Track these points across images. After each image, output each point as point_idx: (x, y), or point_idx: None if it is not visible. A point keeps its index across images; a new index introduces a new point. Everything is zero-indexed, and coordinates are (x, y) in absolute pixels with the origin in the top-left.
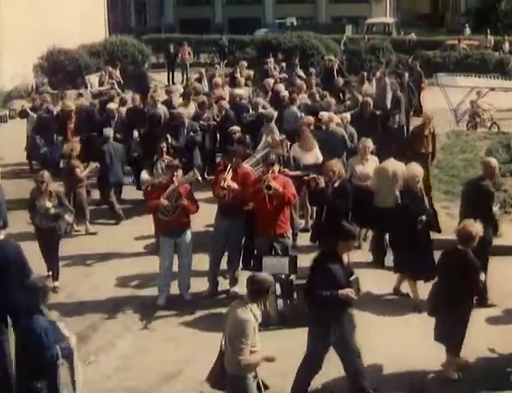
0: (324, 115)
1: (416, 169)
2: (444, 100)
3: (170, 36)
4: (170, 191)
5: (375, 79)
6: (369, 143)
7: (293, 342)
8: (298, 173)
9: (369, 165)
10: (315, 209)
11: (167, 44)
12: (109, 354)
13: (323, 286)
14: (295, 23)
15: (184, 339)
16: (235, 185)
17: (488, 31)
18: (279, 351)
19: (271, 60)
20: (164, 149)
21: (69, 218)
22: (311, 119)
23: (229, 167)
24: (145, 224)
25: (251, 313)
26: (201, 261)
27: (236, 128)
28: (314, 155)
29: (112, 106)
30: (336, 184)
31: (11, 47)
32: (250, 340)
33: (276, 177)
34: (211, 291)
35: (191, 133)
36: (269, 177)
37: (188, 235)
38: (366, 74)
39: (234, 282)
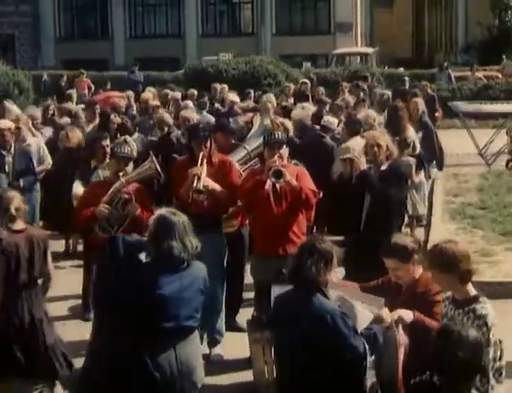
0: (331, 120)
1: None
2: (464, 139)
3: (54, 72)
4: (114, 193)
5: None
6: None
7: None
8: None
9: None
10: None
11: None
12: None
13: None
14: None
15: None
16: (216, 185)
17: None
18: None
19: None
20: (108, 149)
21: None
22: None
23: (201, 156)
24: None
25: None
26: None
27: None
28: None
29: None
30: (384, 166)
31: None
32: None
33: (285, 166)
34: None
35: None
36: (276, 161)
37: None
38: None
39: (215, 339)
